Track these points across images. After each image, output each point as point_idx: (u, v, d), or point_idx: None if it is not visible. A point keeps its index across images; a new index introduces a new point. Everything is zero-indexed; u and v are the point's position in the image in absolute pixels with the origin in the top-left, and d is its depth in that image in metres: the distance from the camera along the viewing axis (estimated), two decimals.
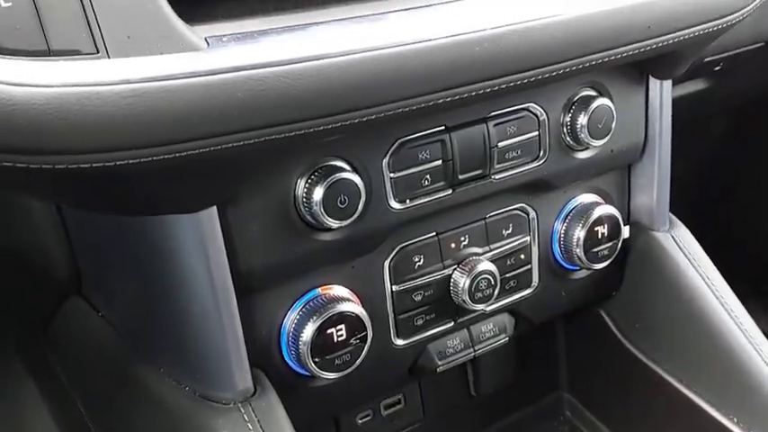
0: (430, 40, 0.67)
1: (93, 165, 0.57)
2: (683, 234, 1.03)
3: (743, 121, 1.68)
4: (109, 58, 0.56)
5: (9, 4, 0.54)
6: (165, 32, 0.58)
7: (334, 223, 0.76)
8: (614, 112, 0.90)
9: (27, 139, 0.54)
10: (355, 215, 0.77)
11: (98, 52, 0.56)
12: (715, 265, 1.04)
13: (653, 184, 1.02)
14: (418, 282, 0.88)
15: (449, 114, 0.81)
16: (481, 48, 0.69)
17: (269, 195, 0.75)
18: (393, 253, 0.86)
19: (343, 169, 0.76)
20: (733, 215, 1.75)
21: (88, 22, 0.56)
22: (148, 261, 0.78)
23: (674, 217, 1.06)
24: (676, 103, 1.07)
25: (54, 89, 0.54)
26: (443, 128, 0.82)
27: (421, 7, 0.70)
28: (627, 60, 0.81)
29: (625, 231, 1.00)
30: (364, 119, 0.67)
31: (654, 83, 0.97)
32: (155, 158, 0.58)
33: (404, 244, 0.86)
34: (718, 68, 1.34)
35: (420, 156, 0.82)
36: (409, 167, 0.81)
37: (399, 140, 0.80)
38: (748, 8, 0.87)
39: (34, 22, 0.54)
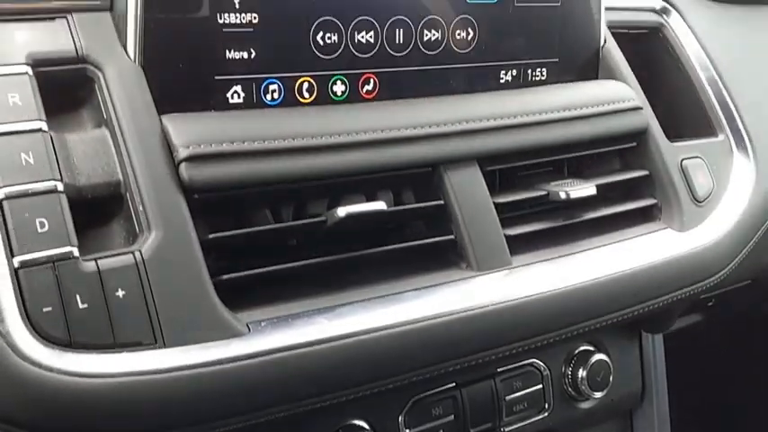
0: (441, 316, 0.77)
1: None
2: None
3: (743, 350, 1.74)
4: (165, 347, 0.66)
5: (86, 305, 0.64)
6: (213, 323, 0.68)
7: None
8: (611, 366, 0.98)
9: (93, 423, 0.61)
10: None
11: (156, 342, 0.65)
12: None
13: (653, 428, 1.07)
14: None
15: (459, 373, 0.89)
16: (485, 322, 0.79)
17: None
18: None
19: (363, 429, 0.83)
20: None
21: (150, 317, 0.65)
22: None
23: None
24: (675, 336, 1.15)
25: (118, 379, 0.62)
26: (454, 385, 0.89)
27: (430, 287, 0.80)
28: (619, 324, 0.90)
29: None
30: (383, 388, 0.75)
31: (647, 334, 1.06)
32: None
33: None
34: (710, 304, 1.43)
35: (433, 412, 0.88)
36: (423, 423, 0.88)
37: (414, 398, 0.87)
38: (723, 272, 0.98)
39: (105, 320, 0.64)
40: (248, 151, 0.73)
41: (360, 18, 0.82)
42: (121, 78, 0.71)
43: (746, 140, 1.08)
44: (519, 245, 0.87)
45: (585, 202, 0.92)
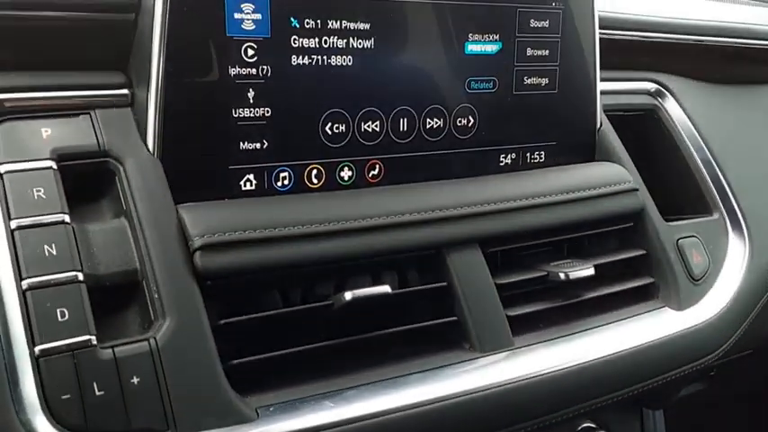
0: (444, 399, 0.79)
1: None
2: None
3: (745, 418, 1.74)
4: None
5: (102, 392, 0.66)
6: (223, 409, 0.70)
7: None
8: None
9: None
10: None
11: (168, 429, 0.67)
12: None
13: None
14: None
15: None
16: (489, 404, 0.81)
17: None
18: None
19: None
20: None
21: (163, 404, 0.68)
22: None
23: None
24: (677, 405, 1.15)
25: None
26: None
27: (433, 369, 0.82)
28: (620, 401, 0.92)
29: None
30: None
31: (647, 410, 1.07)
32: None
33: None
34: (712, 374, 1.45)
35: None
36: None
37: None
38: (721, 349, 1.00)
39: (120, 407, 0.66)
40: (260, 239, 0.76)
41: (366, 109, 0.87)
42: (140, 170, 0.75)
43: (741, 219, 1.12)
44: (520, 325, 0.89)
45: (584, 282, 0.95)
